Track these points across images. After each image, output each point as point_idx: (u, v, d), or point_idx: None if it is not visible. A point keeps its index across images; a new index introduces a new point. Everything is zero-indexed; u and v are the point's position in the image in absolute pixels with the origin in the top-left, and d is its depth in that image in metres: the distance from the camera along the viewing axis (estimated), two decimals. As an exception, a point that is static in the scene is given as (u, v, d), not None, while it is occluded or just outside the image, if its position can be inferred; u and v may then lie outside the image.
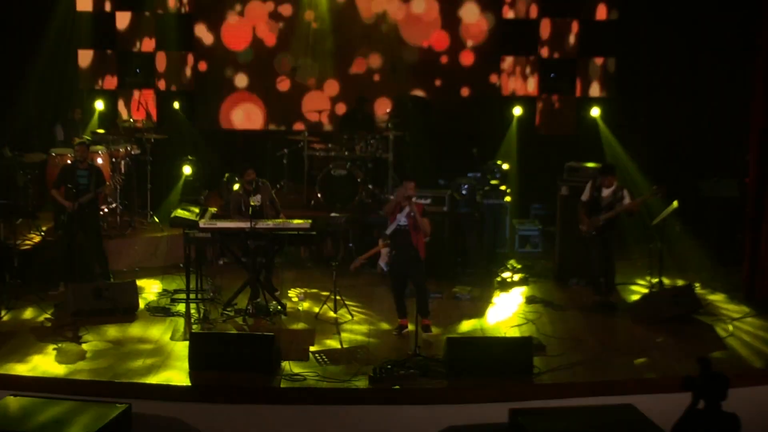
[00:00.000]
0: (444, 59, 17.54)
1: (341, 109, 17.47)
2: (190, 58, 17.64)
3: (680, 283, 13.01)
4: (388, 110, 16.51)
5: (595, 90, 17.44)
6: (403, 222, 11.03)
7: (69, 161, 13.35)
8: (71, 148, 14.10)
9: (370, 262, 13.45)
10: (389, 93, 17.35)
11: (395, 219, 11.11)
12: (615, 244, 12.57)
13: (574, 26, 17.36)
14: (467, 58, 17.53)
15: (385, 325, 11.68)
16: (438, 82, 17.62)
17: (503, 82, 17.58)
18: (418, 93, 17.39)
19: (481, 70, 17.53)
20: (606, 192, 12.32)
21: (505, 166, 15.38)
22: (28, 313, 11.79)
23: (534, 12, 17.35)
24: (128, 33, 17.54)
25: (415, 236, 11.10)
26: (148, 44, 17.54)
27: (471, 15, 17.46)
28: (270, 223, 11.88)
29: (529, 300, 12.75)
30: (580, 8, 17.26)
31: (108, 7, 17.41)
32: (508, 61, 17.58)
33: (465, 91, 17.59)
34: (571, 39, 17.39)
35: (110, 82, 17.63)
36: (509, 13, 17.44)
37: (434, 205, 13.26)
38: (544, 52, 17.49)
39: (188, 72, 17.69)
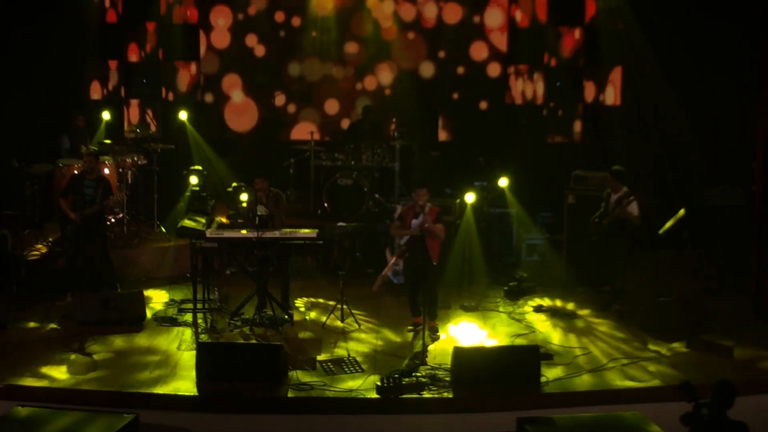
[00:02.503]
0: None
1: (346, 123, 17.46)
2: (195, 68, 17.68)
3: (688, 291, 12.98)
4: (394, 119, 16.52)
5: (601, 98, 17.43)
6: (417, 229, 11.18)
7: (77, 171, 13.37)
8: (78, 158, 14.13)
9: (377, 270, 13.45)
10: (399, 106, 17.35)
11: (410, 226, 11.27)
12: (625, 252, 12.55)
13: (581, 34, 17.36)
14: (482, 69, 17.54)
15: (391, 334, 11.67)
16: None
17: (509, 91, 17.58)
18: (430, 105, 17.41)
19: (492, 79, 17.55)
20: (614, 197, 12.34)
21: (512, 175, 15.37)
22: (36, 324, 11.81)
23: (541, 20, 17.35)
24: (134, 43, 17.58)
25: (429, 241, 11.29)
26: (154, 54, 17.57)
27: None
28: (276, 233, 11.89)
29: (536, 309, 12.75)
30: (586, 16, 17.26)
31: (116, 17, 17.46)
32: (514, 70, 17.59)
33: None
34: (578, 47, 17.39)
35: (117, 92, 17.67)
36: (516, 22, 17.45)
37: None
38: (550, 60, 17.48)
39: (193, 81, 17.72)
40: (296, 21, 17.47)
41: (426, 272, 11.41)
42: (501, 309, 12.82)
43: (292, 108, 17.60)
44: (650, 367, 10.53)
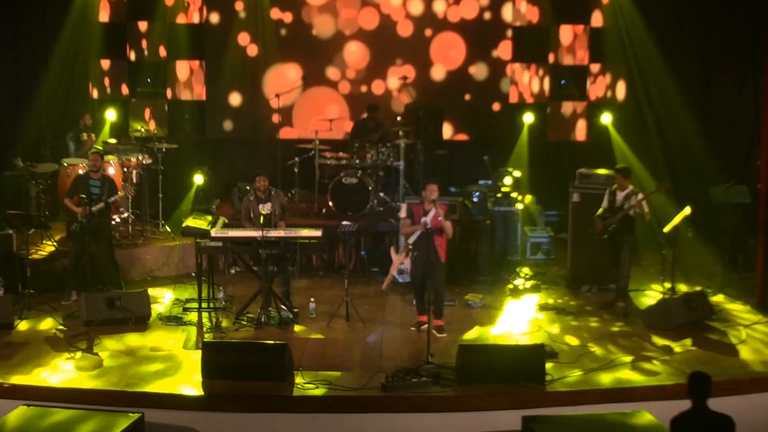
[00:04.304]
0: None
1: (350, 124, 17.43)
2: (200, 67, 17.67)
3: (693, 289, 12.97)
4: (399, 118, 16.51)
5: (606, 96, 17.41)
6: (428, 225, 11.17)
7: (81, 171, 13.38)
8: (84, 157, 14.15)
9: (382, 269, 13.47)
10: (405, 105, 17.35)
11: (419, 223, 11.25)
12: (630, 249, 12.54)
13: (585, 32, 17.35)
14: (485, 69, 17.52)
15: (396, 333, 11.67)
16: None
17: (513, 90, 17.57)
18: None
19: (497, 78, 17.54)
20: (620, 195, 12.34)
21: (517, 173, 15.39)
22: (41, 323, 11.82)
23: (545, 19, 17.33)
24: (139, 42, 17.60)
25: (437, 238, 11.31)
26: (159, 53, 17.58)
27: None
28: (281, 232, 11.88)
29: (541, 307, 12.74)
30: (591, 14, 17.25)
31: (120, 16, 17.47)
32: (518, 68, 17.57)
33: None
34: (582, 45, 17.38)
35: (122, 92, 17.68)
36: (520, 20, 17.43)
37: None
38: (555, 58, 17.46)
39: (199, 81, 17.72)
40: (295, 19, 17.47)
41: (434, 270, 11.41)
42: (505, 307, 12.82)
43: (291, 110, 17.56)
44: (655, 365, 10.52)
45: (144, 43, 17.57)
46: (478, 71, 17.47)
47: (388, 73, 17.50)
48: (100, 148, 14.97)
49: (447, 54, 17.47)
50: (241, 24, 17.47)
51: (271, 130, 17.32)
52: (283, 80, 17.36)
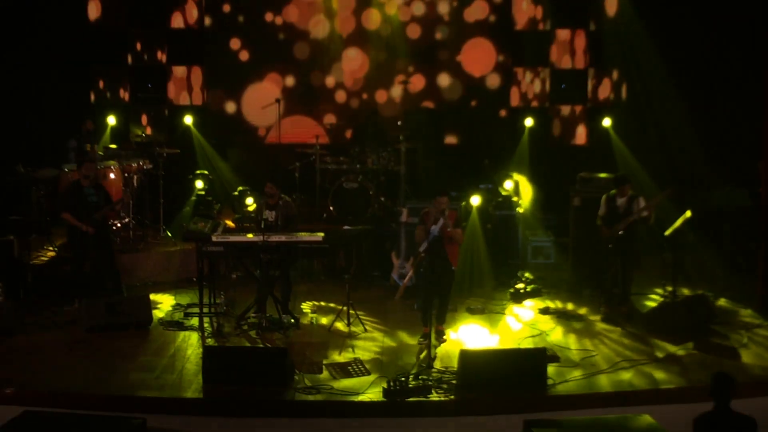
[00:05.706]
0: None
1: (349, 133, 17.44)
2: (201, 73, 17.68)
3: (694, 292, 12.96)
4: (399, 122, 16.52)
5: (606, 100, 17.42)
6: (437, 234, 11.20)
7: (81, 179, 13.33)
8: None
9: (383, 273, 13.47)
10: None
11: (429, 231, 11.29)
12: (636, 255, 12.55)
13: (585, 36, 17.36)
14: (487, 70, 17.55)
15: (398, 338, 11.67)
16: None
17: (515, 93, 17.58)
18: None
19: (498, 82, 17.55)
20: (621, 201, 12.33)
21: (517, 177, 15.38)
22: (43, 329, 11.80)
23: (545, 22, 17.34)
24: (138, 47, 17.61)
25: (448, 247, 11.41)
26: (160, 59, 17.59)
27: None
28: (282, 237, 11.87)
29: (543, 311, 12.74)
30: (590, 18, 17.26)
31: (120, 21, 17.48)
32: (519, 73, 17.58)
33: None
34: (582, 49, 17.39)
35: (121, 97, 17.69)
36: (520, 25, 17.45)
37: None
38: (555, 62, 17.48)
39: (199, 86, 17.73)
40: (293, 22, 17.48)
41: (443, 277, 11.44)
42: (507, 311, 12.82)
43: (289, 113, 17.57)
44: (657, 369, 10.51)
45: (143, 48, 17.57)
46: (480, 75, 17.48)
47: (390, 78, 17.47)
48: (101, 152, 15.01)
49: (449, 57, 17.48)
50: (237, 29, 17.48)
51: (270, 134, 17.34)
52: (279, 85, 17.40)
